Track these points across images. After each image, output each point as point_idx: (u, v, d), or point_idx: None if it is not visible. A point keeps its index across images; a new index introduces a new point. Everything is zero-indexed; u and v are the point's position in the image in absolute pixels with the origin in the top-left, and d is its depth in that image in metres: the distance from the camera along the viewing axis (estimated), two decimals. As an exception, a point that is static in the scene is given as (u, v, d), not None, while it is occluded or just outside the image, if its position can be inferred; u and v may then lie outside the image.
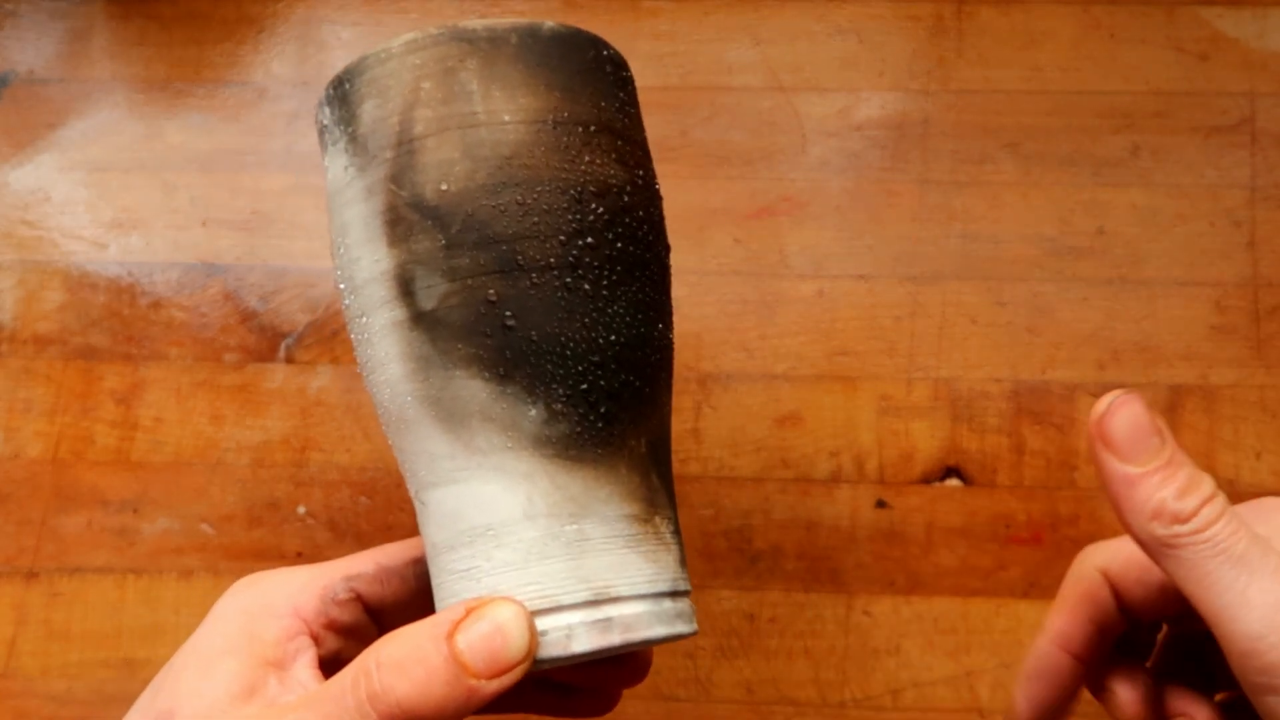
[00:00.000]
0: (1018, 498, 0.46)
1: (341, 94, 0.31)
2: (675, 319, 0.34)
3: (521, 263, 0.29)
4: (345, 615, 0.32)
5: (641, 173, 0.32)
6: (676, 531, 0.32)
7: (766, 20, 0.52)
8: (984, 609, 0.45)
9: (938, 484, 0.46)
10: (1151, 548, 0.28)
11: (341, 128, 0.31)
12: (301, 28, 0.54)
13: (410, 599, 0.33)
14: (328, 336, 0.49)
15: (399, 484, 0.48)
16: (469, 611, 0.28)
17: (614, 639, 0.29)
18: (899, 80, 0.51)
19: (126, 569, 0.47)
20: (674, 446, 0.44)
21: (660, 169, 0.34)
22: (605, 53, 0.32)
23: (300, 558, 0.47)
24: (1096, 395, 0.47)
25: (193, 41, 0.54)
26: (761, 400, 0.48)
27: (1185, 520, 0.27)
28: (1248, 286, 0.48)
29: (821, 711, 0.44)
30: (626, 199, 0.31)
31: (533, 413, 0.29)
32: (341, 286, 0.32)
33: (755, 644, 0.45)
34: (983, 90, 0.51)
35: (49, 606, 0.47)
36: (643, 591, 0.30)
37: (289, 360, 0.49)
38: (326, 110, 0.32)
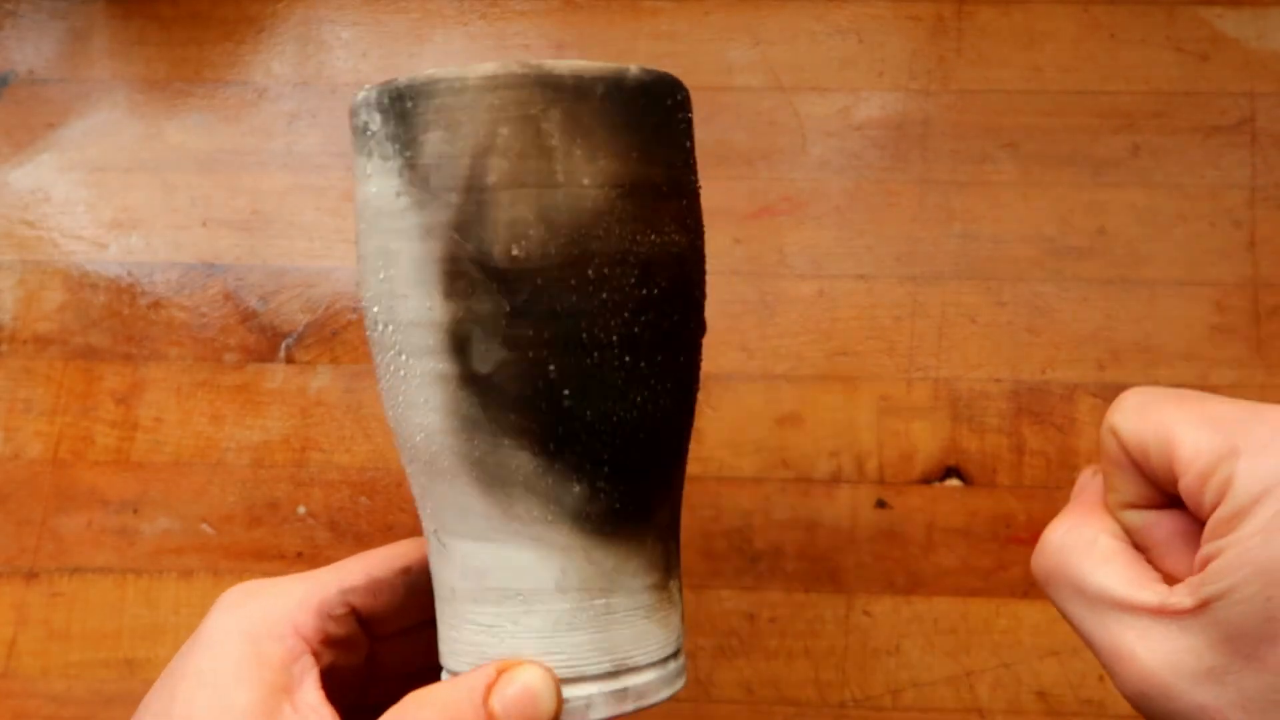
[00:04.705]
0: (1018, 498, 0.46)
1: (400, 110, 0.29)
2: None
3: (585, 340, 0.29)
4: (341, 629, 0.33)
5: (697, 234, 0.32)
6: (681, 587, 0.33)
7: (766, 20, 0.52)
8: (984, 609, 0.45)
9: (938, 484, 0.46)
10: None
11: (396, 147, 0.29)
12: (301, 28, 0.54)
13: (399, 607, 0.34)
14: (328, 336, 0.49)
15: (399, 484, 0.48)
16: (499, 673, 0.30)
17: (628, 706, 0.31)
18: (899, 80, 0.51)
19: (126, 569, 0.47)
20: (674, 446, 0.44)
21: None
22: (680, 97, 0.32)
23: (300, 558, 0.47)
24: (1096, 395, 0.47)
25: (193, 41, 0.54)
26: (761, 400, 0.48)
27: None
28: (1248, 286, 0.48)
29: (821, 712, 0.44)
30: (686, 266, 0.31)
31: (576, 489, 0.30)
32: (374, 309, 0.31)
33: (755, 644, 0.45)
34: (983, 90, 0.51)
35: (49, 606, 0.47)
36: (654, 659, 0.31)
37: (289, 360, 0.49)
38: (377, 117, 0.30)
